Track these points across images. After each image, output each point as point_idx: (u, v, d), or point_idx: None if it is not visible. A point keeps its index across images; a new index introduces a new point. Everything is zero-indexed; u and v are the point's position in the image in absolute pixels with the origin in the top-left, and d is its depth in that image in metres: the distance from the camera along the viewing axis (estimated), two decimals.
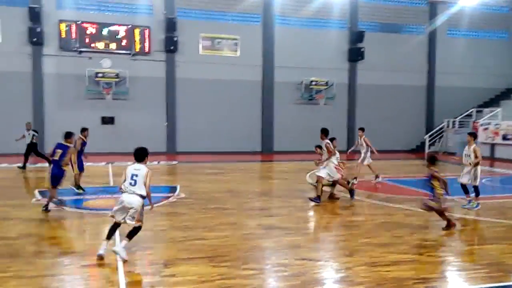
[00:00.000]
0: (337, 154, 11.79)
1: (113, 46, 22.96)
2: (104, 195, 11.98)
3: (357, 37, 26.44)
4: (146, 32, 23.27)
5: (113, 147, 22.96)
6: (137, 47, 23.22)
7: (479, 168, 10.66)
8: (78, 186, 12.09)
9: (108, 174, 15.99)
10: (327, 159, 11.17)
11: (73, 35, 22.25)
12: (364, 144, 14.63)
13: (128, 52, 23.18)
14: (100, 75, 22.61)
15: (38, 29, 21.67)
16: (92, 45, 22.67)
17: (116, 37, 22.97)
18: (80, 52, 22.56)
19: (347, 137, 27.13)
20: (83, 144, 12.53)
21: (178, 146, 24.32)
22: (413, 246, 7.70)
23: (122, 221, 6.79)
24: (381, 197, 12.11)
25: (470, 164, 10.67)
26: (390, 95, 27.37)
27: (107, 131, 23.30)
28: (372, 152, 14.62)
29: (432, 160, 8.89)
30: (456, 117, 27.16)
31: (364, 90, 26.94)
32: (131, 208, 6.71)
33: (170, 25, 23.53)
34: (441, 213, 8.72)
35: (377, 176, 14.79)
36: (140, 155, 6.99)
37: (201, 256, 7.00)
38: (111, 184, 14.09)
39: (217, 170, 17.50)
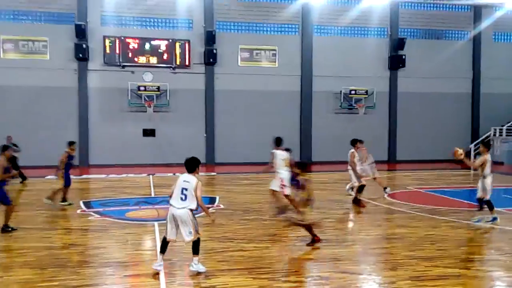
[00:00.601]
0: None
1: (154, 60, 23.56)
2: (146, 206, 12.20)
3: (397, 44, 25.95)
4: (186, 45, 23.75)
5: (154, 159, 23.44)
6: (178, 60, 23.72)
7: (488, 179, 9.87)
8: (64, 200, 12.00)
9: (149, 185, 16.30)
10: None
11: (117, 50, 23.00)
12: (365, 156, 13.49)
13: (169, 65, 23.71)
14: (142, 88, 23.23)
15: (84, 45, 22.54)
16: (135, 59, 23.34)
17: (158, 51, 23.57)
18: (123, 66, 23.27)
19: (388, 146, 26.56)
20: (70, 158, 12.13)
21: (217, 157, 24.53)
22: (459, 260, 7.40)
23: (175, 239, 6.72)
24: (425, 208, 11.72)
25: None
26: (432, 103, 26.61)
27: (148, 143, 23.83)
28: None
29: (304, 167, 8.38)
30: (503, 125, 26.07)
31: (406, 98, 26.32)
32: (183, 223, 6.56)
33: (210, 38, 23.91)
34: (307, 226, 8.13)
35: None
36: (191, 165, 6.84)
37: (241, 268, 6.98)
38: (152, 195, 14.35)
39: (255, 181, 17.50)
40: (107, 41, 22.89)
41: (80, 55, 22.50)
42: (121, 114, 23.45)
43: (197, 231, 6.64)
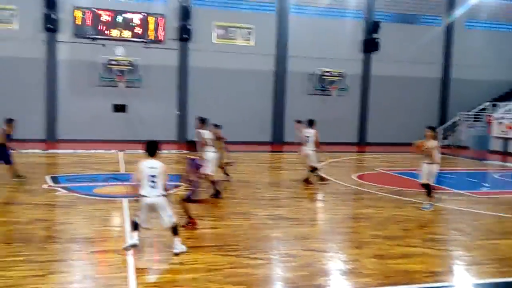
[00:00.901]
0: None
1: (127, 34, 22.94)
2: (114, 182, 12.06)
3: (372, 27, 26.09)
4: (160, 20, 23.22)
5: (125, 135, 23.07)
6: (151, 35, 23.18)
7: (436, 166, 9.75)
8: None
9: (118, 162, 16.09)
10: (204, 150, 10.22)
11: (88, 22, 22.29)
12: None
13: (141, 40, 23.16)
14: (113, 62, 22.65)
15: (53, 16, 21.73)
16: (107, 32, 22.68)
17: (131, 24, 22.95)
18: (94, 39, 22.59)
19: (359, 128, 26.93)
20: (8, 136, 11.59)
21: (190, 135, 24.35)
22: (423, 240, 7.64)
23: (150, 227, 6.68)
24: (392, 190, 12.01)
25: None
26: (404, 87, 27.01)
27: (119, 118, 23.41)
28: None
29: (191, 145, 8.00)
30: (470, 111, 26.77)
31: (378, 81, 26.63)
32: (162, 210, 6.48)
33: (184, 13, 23.44)
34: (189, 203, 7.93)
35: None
36: (154, 148, 6.60)
37: (210, 245, 7.03)
38: (122, 171, 14.18)
39: (227, 160, 17.53)
40: (78, 12, 22.12)
41: (50, 26, 21.72)
42: (92, 88, 22.86)
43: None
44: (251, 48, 24.94)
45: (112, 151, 19.09)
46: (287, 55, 25.38)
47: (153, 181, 6.41)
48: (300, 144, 13.03)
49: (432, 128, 10.08)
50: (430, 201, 9.86)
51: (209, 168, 10.03)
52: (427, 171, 9.80)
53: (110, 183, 11.88)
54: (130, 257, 6.32)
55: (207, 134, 10.61)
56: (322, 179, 12.74)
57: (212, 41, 24.48)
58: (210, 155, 10.44)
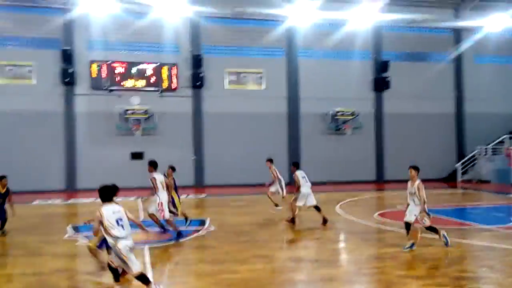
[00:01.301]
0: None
1: (141, 83, 23.60)
2: (134, 230, 12.01)
3: (381, 66, 26.45)
4: (173, 69, 23.88)
5: (143, 182, 23.15)
6: (165, 84, 23.80)
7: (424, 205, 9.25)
8: None
9: (138, 209, 16.11)
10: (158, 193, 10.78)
11: (104, 75, 23.02)
12: (274, 176, 14.30)
13: (156, 89, 23.76)
14: (129, 112, 23.19)
15: (71, 70, 22.52)
16: (122, 83, 23.36)
17: (145, 75, 23.64)
18: (110, 90, 23.24)
19: (376, 166, 26.74)
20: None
21: (206, 179, 24.43)
22: (452, 278, 7.40)
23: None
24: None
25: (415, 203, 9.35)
26: (418, 123, 27.00)
27: (136, 166, 23.61)
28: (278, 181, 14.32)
29: (155, 165, 7.87)
30: (489, 144, 26.50)
31: (392, 119, 26.70)
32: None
33: (196, 62, 24.10)
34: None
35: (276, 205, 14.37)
36: (110, 193, 6.50)
37: None
38: (141, 218, 14.16)
39: (245, 203, 17.45)
40: (94, 66, 22.91)
41: (67, 80, 22.46)
42: (109, 137, 23.30)
43: None
44: (263, 91, 25.36)
45: (131, 198, 19.17)
46: (299, 96, 25.72)
47: (121, 225, 6.19)
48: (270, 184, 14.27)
49: (413, 167, 9.55)
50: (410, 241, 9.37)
51: (166, 211, 10.55)
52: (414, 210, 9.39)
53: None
54: None
55: (159, 178, 10.91)
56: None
57: (225, 87, 24.99)
58: (163, 197, 10.72)
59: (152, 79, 23.70)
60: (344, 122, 25.93)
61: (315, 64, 25.86)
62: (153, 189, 10.80)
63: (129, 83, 23.46)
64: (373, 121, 26.81)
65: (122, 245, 6.04)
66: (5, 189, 10.92)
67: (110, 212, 6.15)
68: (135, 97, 23.62)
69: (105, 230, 6.03)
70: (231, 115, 24.77)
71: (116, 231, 6.04)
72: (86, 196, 20.21)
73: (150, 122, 23.54)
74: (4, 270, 8.24)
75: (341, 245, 10.48)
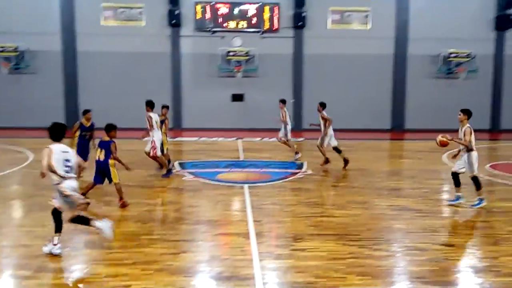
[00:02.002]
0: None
1: (243, 24, 23.61)
2: (235, 169, 12.50)
3: (506, 2, 23.43)
4: (275, 9, 23.44)
5: (243, 123, 23.85)
6: (266, 24, 23.55)
7: (475, 153, 8.51)
8: None
9: (238, 149, 16.66)
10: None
11: (207, 16, 23.37)
12: (283, 118, 13.76)
13: (257, 30, 23.64)
14: (231, 53, 23.51)
15: (177, 11, 23.15)
16: (225, 24, 23.58)
17: (247, 15, 23.55)
18: (213, 32, 23.62)
19: (491, 114, 24.54)
20: (83, 128, 11.03)
21: (304, 123, 24.33)
22: None
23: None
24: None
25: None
26: None
27: (237, 107, 24.24)
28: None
29: (108, 129, 7.93)
30: None
31: None
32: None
33: (299, 1, 23.35)
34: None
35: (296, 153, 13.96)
36: (61, 132, 6.06)
37: (331, 233, 6.91)
38: (241, 158, 14.65)
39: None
40: (198, 7, 23.29)
41: (173, 21, 23.18)
42: (211, 79, 23.98)
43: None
44: (368, 32, 24.01)
45: (232, 139, 19.86)
46: (408, 37, 23.96)
47: (68, 166, 5.94)
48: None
49: (465, 110, 8.68)
50: (479, 195, 8.55)
51: (158, 149, 11.13)
52: (467, 161, 8.52)
53: (231, 170, 12.34)
54: (253, 241, 6.48)
55: (155, 117, 11.24)
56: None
57: (327, 27, 24.05)
58: (157, 136, 11.20)
59: (254, 20, 23.56)
60: (458, 65, 23.80)
61: (428, 1, 23.68)
62: (148, 128, 11.32)
63: (231, 24, 23.60)
64: (492, 64, 24.26)
65: (67, 185, 5.88)
66: (89, 123, 10.91)
67: (59, 151, 5.90)
68: (237, 39, 23.80)
69: (51, 168, 5.79)
70: (333, 56, 23.95)
71: (63, 171, 5.87)
72: (190, 135, 21.36)
73: (251, 64, 23.70)
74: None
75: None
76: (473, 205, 8.52)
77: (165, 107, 12.48)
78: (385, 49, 24.05)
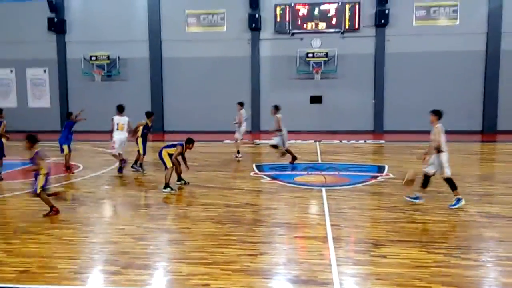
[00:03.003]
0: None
1: (323, 25, 23.37)
2: (313, 172, 12.39)
3: None
4: (356, 7, 22.93)
5: (321, 126, 23.60)
6: (347, 24, 23.11)
7: (443, 155, 8.34)
8: (135, 163, 12.39)
9: (316, 152, 16.49)
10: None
11: (287, 18, 23.45)
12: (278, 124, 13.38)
13: (337, 30, 23.28)
14: (310, 55, 23.37)
15: (257, 15, 23.49)
16: (304, 26, 23.50)
17: (327, 15, 23.28)
18: (293, 34, 23.64)
19: None
20: (146, 128, 12.25)
21: (386, 125, 23.53)
22: None
23: None
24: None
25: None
26: None
27: (315, 110, 24.02)
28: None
29: (33, 140, 7.86)
30: None
31: None
32: None
33: None
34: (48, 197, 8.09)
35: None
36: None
37: (413, 240, 6.60)
38: (319, 161, 14.49)
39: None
40: (278, 9, 23.45)
41: (253, 25, 23.54)
42: (289, 81, 24.01)
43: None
44: (457, 27, 22.67)
45: (310, 141, 19.72)
46: (501, 31, 22.28)
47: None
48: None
49: (435, 112, 8.95)
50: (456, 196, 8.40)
51: (117, 149, 12.07)
52: (437, 163, 8.47)
53: (309, 173, 12.25)
54: (331, 245, 6.37)
55: (116, 119, 12.16)
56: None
57: (412, 24, 23.05)
58: (117, 137, 12.02)
59: (334, 20, 23.23)
60: None
61: None
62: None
63: (310, 25, 23.47)
64: None
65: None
66: (151, 124, 12.47)
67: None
68: (316, 39, 23.63)
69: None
70: (418, 54, 22.90)
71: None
72: (267, 137, 21.47)
73: (330, 65, 23.39)
74: (202, 199, 9.39)
75: None
76: (451, 205, 8.34)
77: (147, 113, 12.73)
78: (476, 46, 22.58)
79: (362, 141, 19.67)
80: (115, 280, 5.34)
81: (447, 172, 8.39)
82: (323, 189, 9.97)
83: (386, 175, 11.73)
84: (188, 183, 10.69)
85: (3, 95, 25.50)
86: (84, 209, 8.62)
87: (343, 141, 19.31)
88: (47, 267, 5.69)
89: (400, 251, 6.14)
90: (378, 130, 23.40)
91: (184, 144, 10.09)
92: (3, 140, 11.72)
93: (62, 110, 24.60)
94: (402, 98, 23.09)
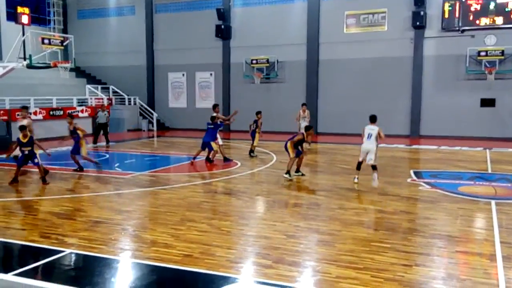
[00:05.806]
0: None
1: (499, 20, 20.87)
2: (481, 182, 11.17)
3: None
4: None
5: (492, 132, 21.15)
6: None
7: None
8: (297, 170, 11.96)
9: (485, 160, 14.84)
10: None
11: (456, 14, 21.54)
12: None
13: None
14: (482, 53, 21.09)
15: (422, 13, 22.06)
16: (476, 22, 21.30)
17: (505, 10, 20.73)
18: (462, 31, 21.62)
19: None
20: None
21: None
22: None
23: None
24: None
25: None
26: None
27: (486, 114, 21.59)
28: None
29: (72, 117, 10.95)
30: None
31: None
32: None
33: None
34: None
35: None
36: None
37: None
38: (489, 170, 13.01)
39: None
40: (446, 5, 21.70)
41: (417, 23, 22.18)
42: (456, 82, 22.02)
43: None
44: None
45: (478, 148, 17.87)
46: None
47: None
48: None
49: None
50: None
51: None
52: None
53: (476, 183, 11.08)
54: (500, 264, 5.64)
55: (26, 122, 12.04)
56: None
57: None
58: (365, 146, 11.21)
59: None
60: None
61: None
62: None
63: (484, 21, 21.18)
64: None
65: None
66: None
67: None
68: (491, 36, 21.22)
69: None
70: None
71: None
72: (429, 143, 20.11)
73: (506, 64, 20.79)
74: (351, 203, 9.18)
75: None
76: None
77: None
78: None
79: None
80: (267, 273, 5.51)
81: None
82: (493, 201, 8.91)
83: None
84: (304, 174, 11.85)
85: (176, 96, 28.56)
86: (240, 203, 9.16)
87: None
88: (207, 253, 6.16)
89: None
90: None
91: (304, 132, 11.45)
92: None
93: (224, 111, 26.54)
94: None
